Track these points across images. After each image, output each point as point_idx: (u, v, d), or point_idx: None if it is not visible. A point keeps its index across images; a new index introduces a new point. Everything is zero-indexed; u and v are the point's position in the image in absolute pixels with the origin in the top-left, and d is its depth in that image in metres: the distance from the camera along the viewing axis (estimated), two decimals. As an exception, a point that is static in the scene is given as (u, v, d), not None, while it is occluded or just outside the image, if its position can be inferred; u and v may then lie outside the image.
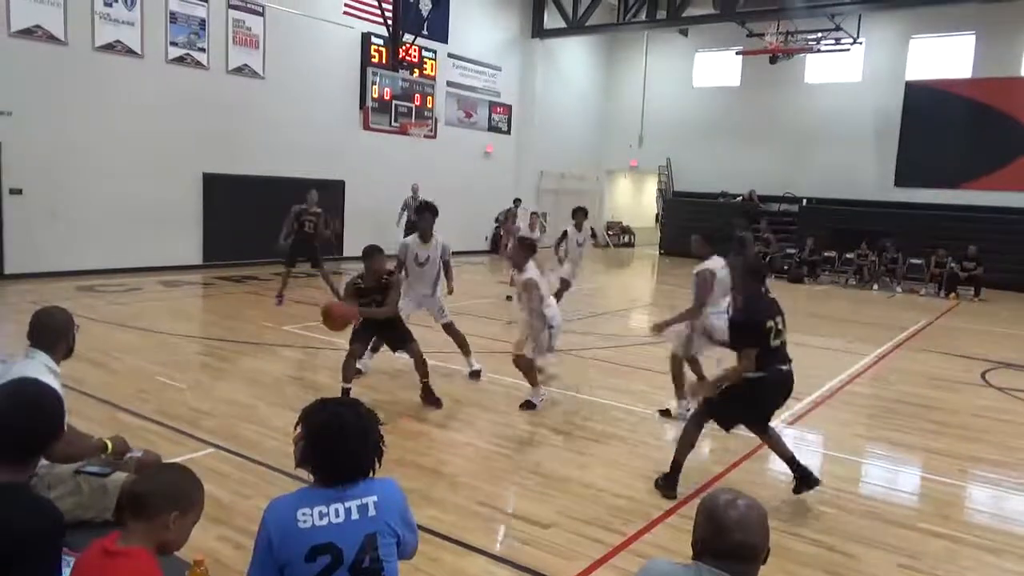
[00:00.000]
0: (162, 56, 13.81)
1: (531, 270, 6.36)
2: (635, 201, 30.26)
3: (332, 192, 16.83)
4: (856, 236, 18.72)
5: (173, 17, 13.90)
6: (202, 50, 14.42)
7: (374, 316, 6.26)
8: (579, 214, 11.15)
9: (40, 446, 2.29)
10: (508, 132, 22.71)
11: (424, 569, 3.62)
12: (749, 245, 12.49)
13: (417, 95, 17.46)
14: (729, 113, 23.99)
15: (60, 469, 3.11)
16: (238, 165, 14.96)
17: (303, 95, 16.22)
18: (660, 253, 23.70)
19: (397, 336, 6.53)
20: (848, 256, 18.91)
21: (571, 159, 24.92)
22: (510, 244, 13.92)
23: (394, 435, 5.20)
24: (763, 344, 4.56)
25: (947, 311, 14.62)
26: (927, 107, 20.75)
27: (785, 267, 19.03)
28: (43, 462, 2.86)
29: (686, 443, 4.86)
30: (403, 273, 7.29)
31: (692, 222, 18.35)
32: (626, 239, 27.36)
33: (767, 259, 17.62)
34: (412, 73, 17.83)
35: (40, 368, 3.14)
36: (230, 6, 14.83)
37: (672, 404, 6.60)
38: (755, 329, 4.56)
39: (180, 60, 14.10)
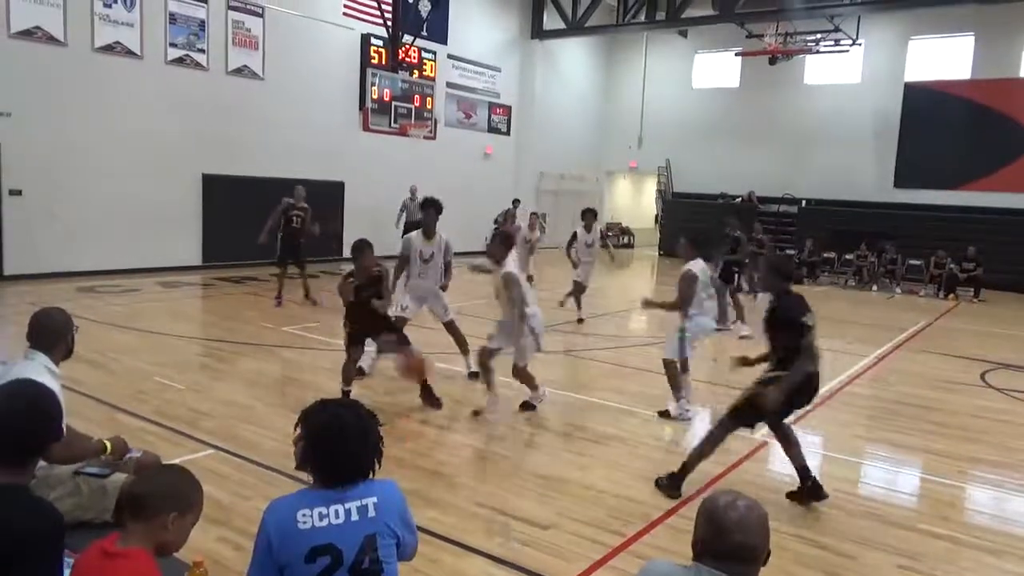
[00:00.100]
0: (161, 57, 13.81)
1: (510, 264, 6.20)
2: (634, 202, 30.28)
3: (331, 193, 16.88)
4: (855, 237, 18.74)
5: (172, 18, 13.90)
6: (201, 51, 14.42)
7: (382, 309, 6.26)
8: (588, 215, 11.18)
9: (39, 447, 2.29)
10: (507, 133, 22.71)
11: (424, 570, 3.62)
12: (743, 244, 12.47)
13: (417, 96, 17.48)
14: (728, 114, 24.00)
15: (60, 470, 3.11)
16: (237, 166, 14.96)
17: (302, 96, 16.22)
18: (660, 254, 23.70)
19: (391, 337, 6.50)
20: (847, 257, 18.93)
21: (571, 160, 24.94)
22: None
23: (394, 436, 5.19)
24: (801, 342, 4.56)
25: (946, 312, 14.63)
26: (926, 108, 20.76)
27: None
28: (42, 463, 2.86)
29: (705, 449, 4.85)
30: (405, 269, 7.29)
31: (691, 223, 18.35)
32: (626, 240, 27.37)
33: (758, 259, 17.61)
34: (412, 74, 17.86)
35: (40, 369, 3.14)
36: (229, 7, 14.84)
37: (671, 405, 6.62)
38: (792, 325, 4.57)
39: (179, 61, 14.10)
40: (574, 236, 11.20)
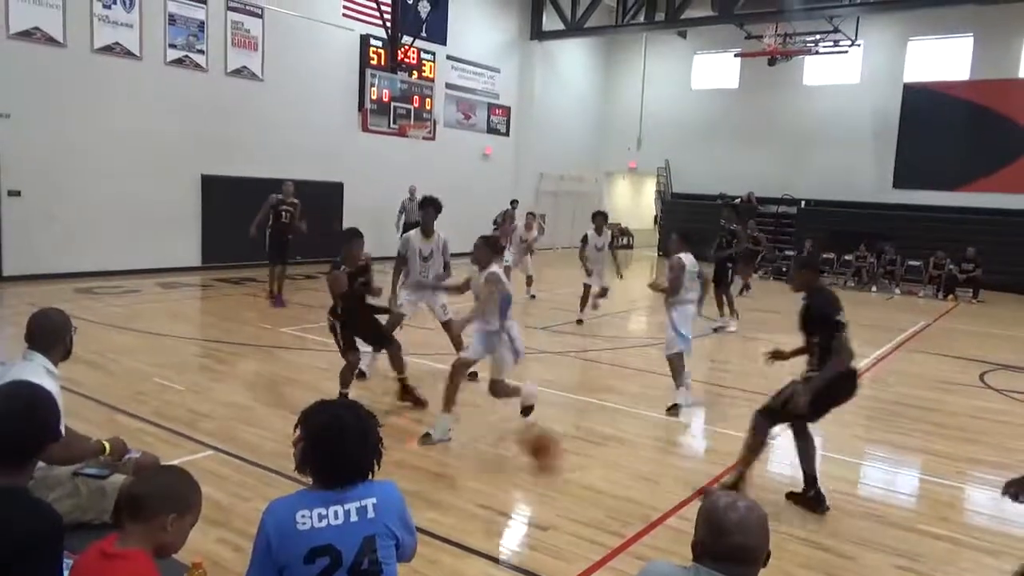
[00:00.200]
0: (161, 58, 13.81)
1: (494, 267, 5.89)
2: (634, 203, 30.28)
3: (331, 194, 16.88)
4: (854, 238, 18.75)
5: (172, 19, 13.90)
6: (201, 52, 14.43)
7: (373, 295, 6.27)
8: (599, 218, 11.18)
9: (37, 449, 2.28)
10: (507, 134, 22.72)
11: (423, 571, 3.62)
12: (740, 236, 12.50)
13: (416, 97, 17.49)
14: (727, 115, 24.01)
15: (58, 471, 3.11)
16: (237, 167, 14.95)
17: (302, 97, 16.22)
18: (659, 255, 23.68)
19: (379, 334, 6.49)
20: (847, 258, 18.93)
21: (570, 161, 24.94)
22: (505, 244, 13.93)
23: (393, 437, 5.19)
24: (830, 339, 4.55)
25: (945, 313, 14.64)
26: (925, 109, 20.77)
27: (781, 268, 19.04)
28: (41, 464, 2.86)
29: (752, 450, 4.81)
30: (404, 268, 7.29)
31: (691, 224, 18.34)
32: (625, 241, 27.37)
33: (759, 257, 17.67)
34: (411, 75, 17.86)
35: (38, 370, 3.13)
36: (229, 8, 14.84)
37: (680, 397, 6.80)
38: (828, 320, 4.56)
39: (179, 62, 14.10)
40: (585, 239, 11.21)
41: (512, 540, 4.27)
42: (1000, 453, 6.12)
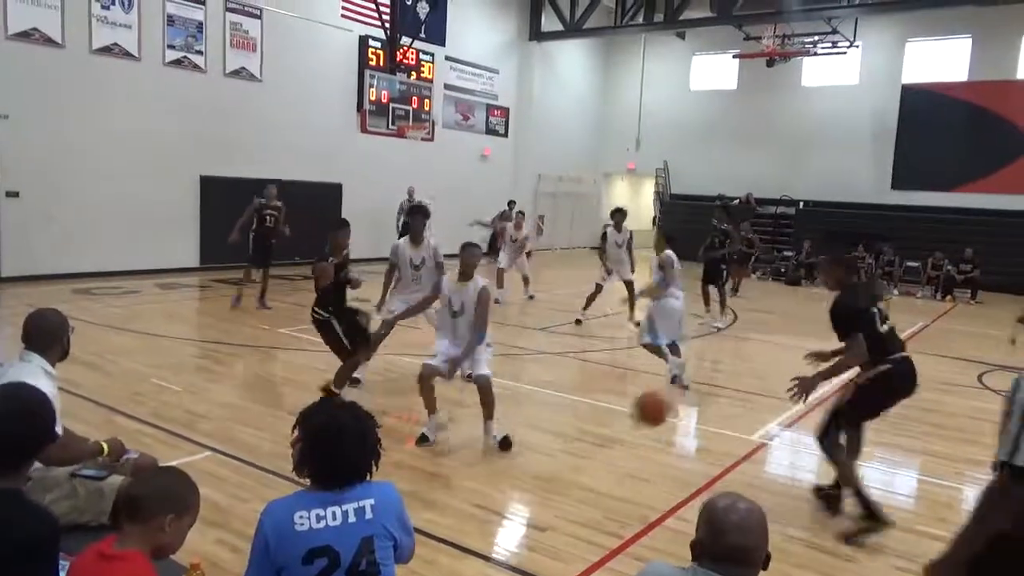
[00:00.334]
0: (159, 59, 13.80)
1: (482, 279, 5.69)
2: (632, 204, 30.14)
3: (329, 195, 16.87)
4: (853, 239, 18.73)
5: (170, 20, 13.90)
6: (199, 53, 14.42)
7: (353, 287, 6.29)
8: (618, 215, 11.18)
9: (32, 451, 2.27)
10: (505, 135, 22.72)
11: (421, 572, 3.62)
12: (733, 237, 12.53)
13: (414, 98, 17.49)
14: (726, 116, 24.02)
15: (56, 472, 3.10)
16: (235, 168, 14.93)
17: (300, 98, 16.21)
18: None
19: (355, 335, 6.39)
20: (844, 258, 18.92)
21: (569, 162, 24.94)
22: (500, 245, 13.90)
23: (390, 438, 5.19)
24: (871, 332, 4.43)
25: (944, 314, 14.65)
26: (924, 110, 20.79)
27: (775, 268, 19.06)
28: (38, 465, 2.85)
29: (849, 471, 4.54)
30: (396, 275, 7.26)
31: (689, 225, 18.35)
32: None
33: (752, 259, 17.73)
34: (409, 76, 17.86)
35: (36, 371, 3.13)
36: (227, 9, 14.83)
37: (674, 369, 7.51)
38: (857, 316, 4.43)
39: (177, 63, 14.09)
40: (605, 236, 11.21)
41: (510, 541, 4.27)
42: (998, 454, 6.11)
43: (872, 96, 21.66)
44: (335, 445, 2.22)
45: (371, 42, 17.47)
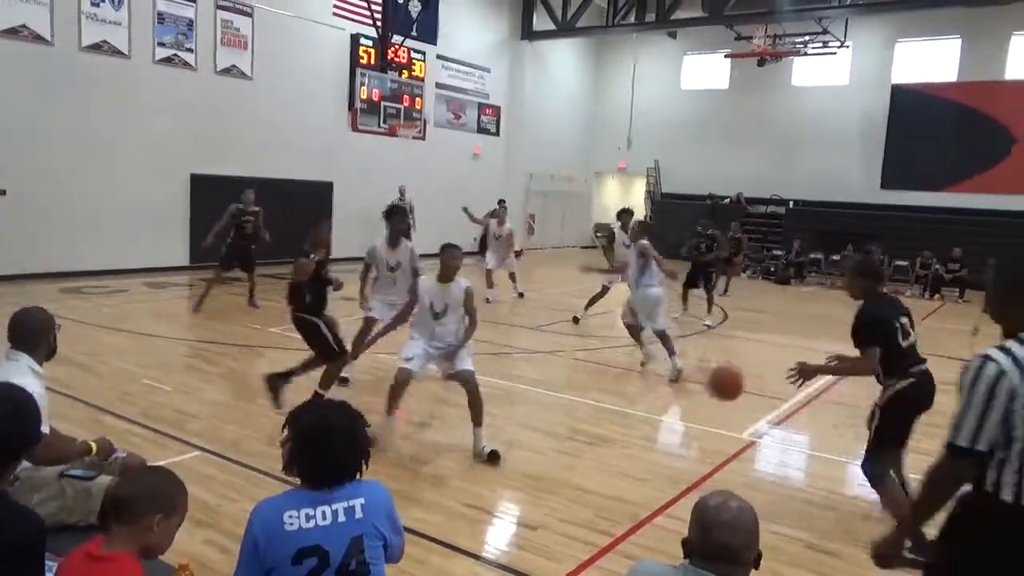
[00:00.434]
0: (149, 57, 13.72)
1: (465, 280, 5.57)
2: (623, 203, 30.12)
3: (321, 193, 16.81)
4: (842, 238, 18.86)
5: (160, 18, 13.82)
6: (190, 51, 14.35)
7: (335, 288, 6.21)
8: (624, 215, 11.02)
9: (15, 452, 2.25)
10: (497, 134, 22.71)
11: (411, 571, 3.61)
12: (720, 242, 12.61)
13: (406, 96, 17.48)
14: (717, 115, 24.08)
15: (44, 472, 3.09)
16: (226, 166, 14.87)
17: (291, 96, 16.15)
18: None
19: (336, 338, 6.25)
20: (834, 258, 19.04)
21: (560, 161, 24.95)
22: (487, 242, 13.84)
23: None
24: (892, 345, 4.35)
25: (932, 312, 14.73)
26: (913, 110, 20.91)
27: (772, 268, 19.12)
28: (27, 464, 2.84)
29: (895, 498, 4.26)
30: (373, 276, 7.21)
31: (680, 224, 18.40)
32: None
33: (742, 258, 17.77)
34: (401, 74, 17.83)
35: (23, 370, 3.11)
36: (218, 7, 14.76)
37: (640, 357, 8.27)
38: (878, 328, 4.30)
39: (168, 61, 14.02)
40: (612, 237, 11.18)
41: (500, 539, 4.27)
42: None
43: (862, 96, 21.75)
44: (325, 444, 2.22)
45: (362, 40, 17.43)
